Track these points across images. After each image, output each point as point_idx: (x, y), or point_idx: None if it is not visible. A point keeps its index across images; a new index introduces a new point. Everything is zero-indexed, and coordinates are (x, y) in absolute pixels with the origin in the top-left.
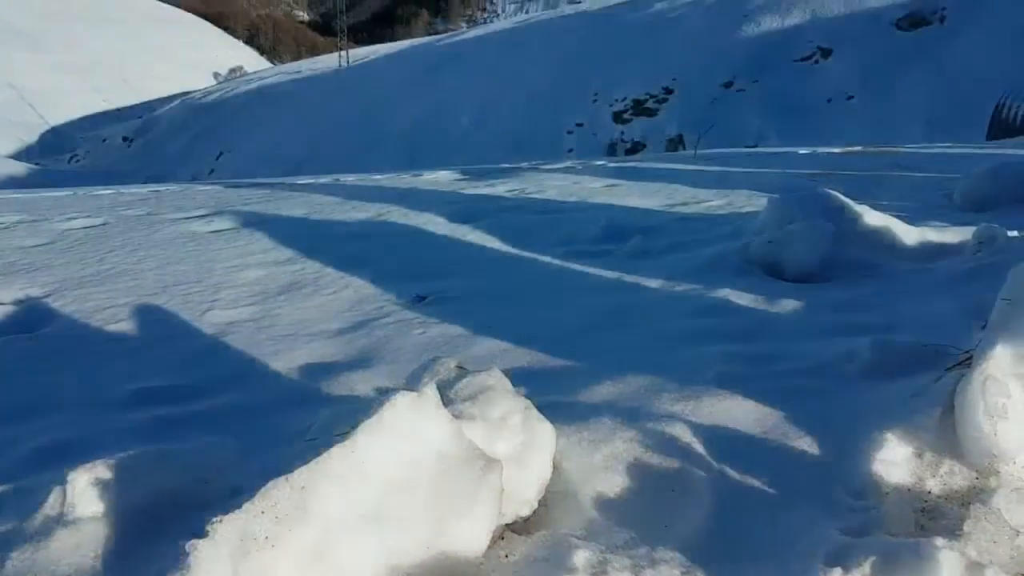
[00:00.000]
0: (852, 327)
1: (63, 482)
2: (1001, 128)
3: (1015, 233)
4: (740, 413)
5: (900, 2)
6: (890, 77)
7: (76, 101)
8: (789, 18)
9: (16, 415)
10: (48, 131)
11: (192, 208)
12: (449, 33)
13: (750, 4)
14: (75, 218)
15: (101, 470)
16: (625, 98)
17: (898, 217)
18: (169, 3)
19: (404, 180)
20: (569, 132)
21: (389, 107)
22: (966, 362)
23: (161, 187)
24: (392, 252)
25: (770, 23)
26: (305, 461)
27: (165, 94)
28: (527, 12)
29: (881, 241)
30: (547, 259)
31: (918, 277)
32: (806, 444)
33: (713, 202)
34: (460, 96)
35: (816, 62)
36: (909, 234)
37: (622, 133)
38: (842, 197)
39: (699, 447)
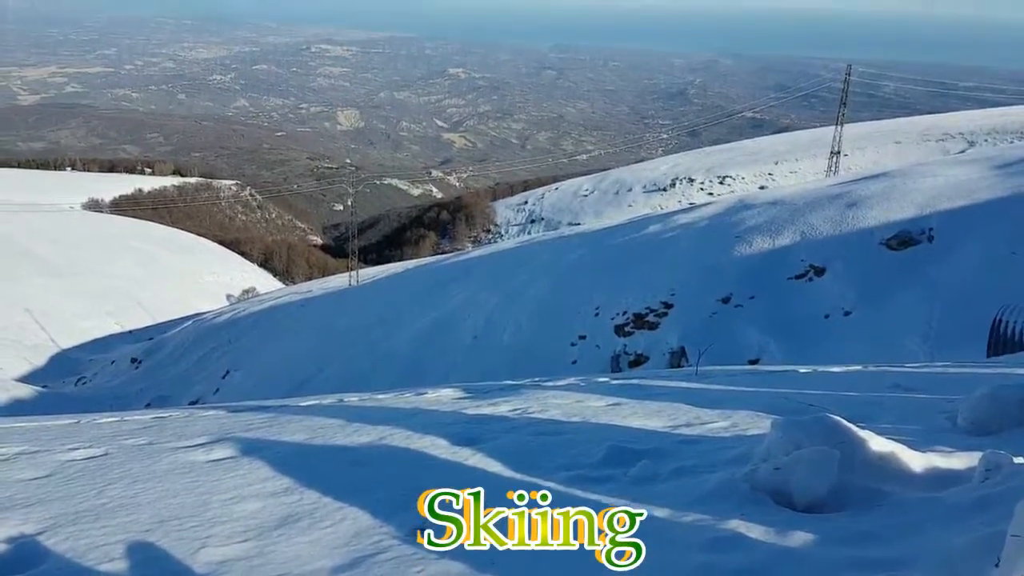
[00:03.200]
0: (866, 563)
1: None
2: (1000, 344)
3: (1021, 460)
4: None
5: (887, 222)
6: (884, 294)
7: (88, 324)
8: (780, 238)
9: None
10: (58, 354)
11: (193, 436)
12: (455, 252)
13: (741, 226)
14: (76, 448)
15: None
16: (626, 312)
17: (902, 442)
18: (188, 231)
19: (407, 399)
20: (572, 344)
21: (395, 323)
22: None
23: (164, 413)
24: (393, 479)
25: (762, 243)
26: None
27: (178, 316)
28: (529, 233)
29: (888, 468)
30: (550, 484)
31: (927, 507)
32: None
33: (717, 423)
34: (465, 311)
35: (810, 279)
36: (915, 460)
37: (625, 346)
38: (845, 422)
39: None
